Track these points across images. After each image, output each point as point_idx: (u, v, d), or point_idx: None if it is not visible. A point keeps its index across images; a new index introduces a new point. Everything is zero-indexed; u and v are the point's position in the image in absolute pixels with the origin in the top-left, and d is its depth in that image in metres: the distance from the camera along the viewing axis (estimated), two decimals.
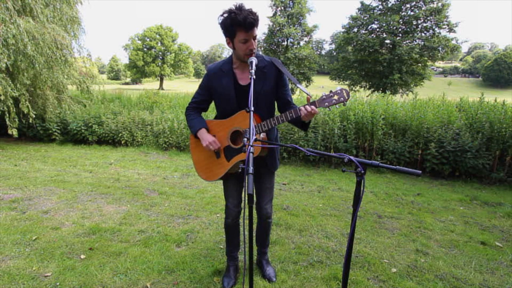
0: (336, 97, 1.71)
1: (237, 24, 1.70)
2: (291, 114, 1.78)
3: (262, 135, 1.90)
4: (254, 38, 1.78)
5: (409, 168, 1.28)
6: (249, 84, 1.90)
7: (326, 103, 1.73)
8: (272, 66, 1.95)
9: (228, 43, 1.85)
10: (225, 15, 1.74)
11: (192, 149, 2.17)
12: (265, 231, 2.31)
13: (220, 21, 1.78)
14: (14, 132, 6.51)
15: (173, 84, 66.42)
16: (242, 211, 2.21)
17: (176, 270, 2.36)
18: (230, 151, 1.99)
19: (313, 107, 1.73)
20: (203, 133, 2.00)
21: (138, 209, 3.58)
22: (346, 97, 1.69)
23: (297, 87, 1.87)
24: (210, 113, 5.70)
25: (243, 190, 2.08)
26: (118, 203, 3.77)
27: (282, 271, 2.38)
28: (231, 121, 1.97)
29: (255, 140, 1.52)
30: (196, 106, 2.12)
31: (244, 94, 1.91)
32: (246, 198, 1.31)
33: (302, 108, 1.75)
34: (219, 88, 1.97)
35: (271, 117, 1.85)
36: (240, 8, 1.71)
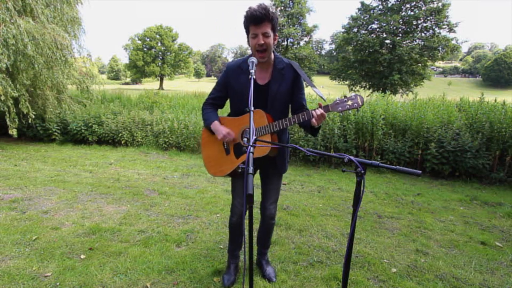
0: (350, 102, 1.72)
1: (247, 18, 1.77)
2: (303, 116, 1.79)
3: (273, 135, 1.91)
4: (265, 34, 1.78)
5: (409, 168, 1.28)
6: (267, 84, 1.94)
7: (340, 108, 1.74)
8: (290, 68, 1.97)
9: (247, 42, 1.89)
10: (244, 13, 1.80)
11: (203, 144, 2.18)
12: (267, 232, 2.31)
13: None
14: (14, 132, 6.52)
15: (173, 84, 66.37)
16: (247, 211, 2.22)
17: (176, 270, 2.36)
18: (240, 148, 2.01)
19: (322, 111, 1.75)
20: (217, 125, 2.01)
21: (138, 209, 3.58)
22: (360, 103, 1.71)
23: (314, 90, 1.88)
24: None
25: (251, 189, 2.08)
26: (118, 203, 3.77)
27: (282, 271, 2.38)
28: (243, 119, 1.99)
29: (256, 140, 1.53)
30: (212, 102, 2.14)
31: (261, 94, 1.93)
32: (245, 197, 1.31)
33: (313, 112, 1.76)
34: (236, 85, 1.98)
35: (282, 119, 1.86)
36: (257, 5, 1.75)
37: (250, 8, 1.75)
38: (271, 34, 1.80)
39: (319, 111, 1.75)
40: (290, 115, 2.05)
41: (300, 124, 1.89)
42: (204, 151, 2.18)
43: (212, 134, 2.10)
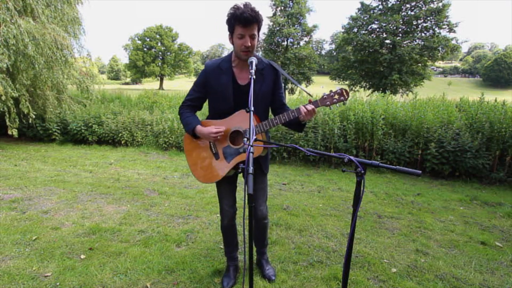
0: (336, 96, 1.79)
1: (235, 18, 1.74)
2: (293, 113, 1.81)
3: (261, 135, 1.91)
4: (252, 36, 1.78)
5: (409, 168, 1.28)
6: (248, 84, 1.91)
7: (328, 102, 1.80)
8: (270, 68, 1.97)
9: (229, 39, 1.87)
10: (230, 11, 1.78)
11: (187, 151, 2.09)
12: (262, 232, 2.30)
13: (226, 18, 1.81)
14: (14, 132, 6.51)
15: (173, 84, 66.36)
16: (238, 211, 2.22)
17: (176, 270, 2.36)
18: (230, 151, 1.97)
19: (313, 106, 1.80)
20: (201, 129, 1.94)
21: (138, 209, 3.58)
22: (346, 96, 1.79)
23: (299, 87, 1.90)
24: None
25: (240, 189, 2.09)
26: (118, 203, 3.77)
27: (282, 271, 2.38)
28: (230, 121, 1.95)
29: (256, 140, 1.53)
30: (191, 104, 2.07)
31: (242, 94, 1.91)
32: (246, 198, 1.31)
33: (302, 107, 1.78)
34: (217, 86, 1.94)
35: (271, 117, 1.87)
36: (243, 4, 1.74)
37: (238, 8, 1.73)
38: (257, 35, 1.81)
39: (310, 106, 1.79)
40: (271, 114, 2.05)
41: (285, 122, 1.87)
42: (190, 158, 2.07)
43: (195, 139, 2.03)
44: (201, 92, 2.03)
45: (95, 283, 2.18)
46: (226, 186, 2.14)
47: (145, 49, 53.72)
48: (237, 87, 1.94)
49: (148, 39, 53.35)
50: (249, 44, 1.79)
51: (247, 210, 1.38)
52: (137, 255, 2.54)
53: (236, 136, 1.98)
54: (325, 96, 1.81)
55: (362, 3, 30.77)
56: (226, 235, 2.27)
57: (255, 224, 2.27)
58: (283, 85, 2.09)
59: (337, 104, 1.80)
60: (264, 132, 1.92)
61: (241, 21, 1.72)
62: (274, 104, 2.05)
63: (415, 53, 27.82)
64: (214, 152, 2.00)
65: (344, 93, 1.78)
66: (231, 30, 1.81)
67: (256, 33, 1.79)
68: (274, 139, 6.17)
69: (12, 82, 6.25)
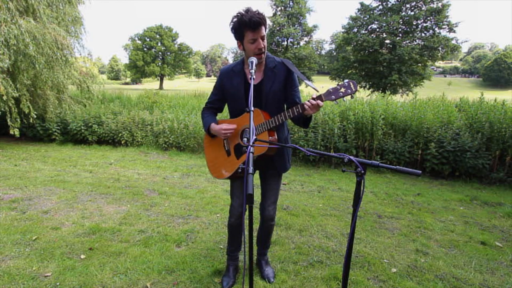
0: (343, 89, 1.71)
1: (244, 25, 1.77)
2: (297, 109, 1.80)
3: (271, 137, 1.91)
4: (262, 37, 1.83)
5: (409, 168, 1.28)
6: (260, 83, 1.96)
7: (333, 96, 1.73)
8: (282, 66, 1.98)
9: (239, 46, 1.91)
10: (234, 19, 1.81)
11: (206, 148, 2.23)
12: (266, 234, 2.31)
13: (230, 26, 1.85)
14: (16, 132, 6.51)
15: (173, 84, 66.43)
16: (246, 211, 2.21)
17: (176, 270, 2.36)
18: (240, 149, 2.02)
19: (318, 100, 1.75)
20: (215, 126, 2.05)
21: (138, 209, 3.58)
22: (354, 89, 1.68)
23: (306, 83, 1.88)
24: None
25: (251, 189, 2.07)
26: (118, 203, 3.77)
27: (282, 271, 2.38)
28: (241, 119, 2.01)
29: (256, 140, 1.53)
30: (211, 106, 2.19)
31: (254, 93, 1.93)
32: (246, 197, 1.31)
33: (307, 102, 1.77)
34: (230, 87, 2.03)
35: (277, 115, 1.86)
36: (246, 10, 1.78)
37: (243, 14, 1.76)
38: (265, 35, 1.86)
39: (315, 100, 1.76)
40: None
41: (293, 118, 1.89)
42: (207, 155, 2.23)
43: (213, 138, 2.13)
44: (219, 95, 2.14)
45: (95, 283, 2.18)
46: (239, 184, 2.16)
47: (145, 49, 53.71)
48: (249, 87, 1.95)
49: (148, 39, 53.34)
50: (262, 46, 1.83)
51: (248, 210, 1.38)
52: (137, 255, 2.54)
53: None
54: (330, 90, 1.75)
55: (361, 4, 30.76)
56: (231, 233, 2.28)
57: (261, 223, 2.28)
58: (298, 83, 2.07)
59: (344, 98, 1.71)
60: (273, 130, 1.93)
61: (251, 25, 1.75)
62: (287, 102, 2.05)
63: (415, 53, 27.82)
64: (226, 149, 2.09)
65: (352, 86, 1.68)
66: (241, 37, 1.85)
67: (265, 33, 1.84)
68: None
69: (13, 82, 6.24)
